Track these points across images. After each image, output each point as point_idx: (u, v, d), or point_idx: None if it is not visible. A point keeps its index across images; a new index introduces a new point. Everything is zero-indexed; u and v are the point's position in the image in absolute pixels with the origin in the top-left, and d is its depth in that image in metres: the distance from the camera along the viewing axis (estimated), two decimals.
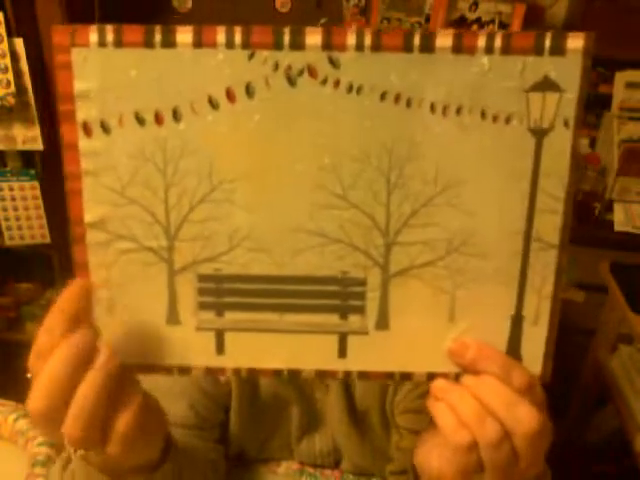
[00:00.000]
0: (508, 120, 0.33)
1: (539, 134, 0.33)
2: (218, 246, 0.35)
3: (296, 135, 0.33)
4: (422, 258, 0.35)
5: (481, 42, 0.32)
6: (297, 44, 0.32)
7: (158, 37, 0.32)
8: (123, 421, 0.35)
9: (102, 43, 0.32)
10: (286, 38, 0.32)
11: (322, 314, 0.36)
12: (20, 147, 1.37)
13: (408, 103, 0.33)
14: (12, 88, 1.28)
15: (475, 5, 1.52)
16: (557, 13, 1.87)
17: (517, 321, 0.36)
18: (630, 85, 1.74)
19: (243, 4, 1.52)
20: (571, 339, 1.02)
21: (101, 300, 0.36)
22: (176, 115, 0.33)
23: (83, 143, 0.35)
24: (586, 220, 1.57)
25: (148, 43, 0.32)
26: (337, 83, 0.32)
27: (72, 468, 0.46)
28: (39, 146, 1.37)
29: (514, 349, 0.36)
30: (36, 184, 1.43)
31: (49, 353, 0.33)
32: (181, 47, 0.32)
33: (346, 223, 0.35)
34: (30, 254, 1.55)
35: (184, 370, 0.37)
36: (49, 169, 1.44)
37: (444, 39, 0.32)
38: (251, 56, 0.32)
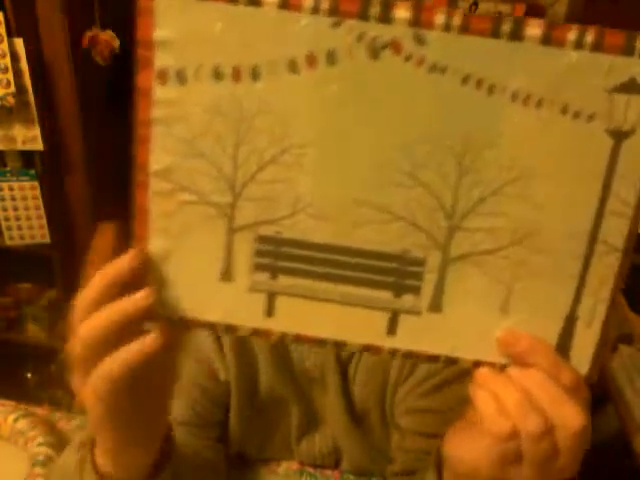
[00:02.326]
0: (590, 119, 0.33)
1: (618, 136, 0.33)
2: (281, 209, 0.35)
3: (372, 109, 0.33)
4: (484, 246, 0.35)
5: (572, 36, 0.31)
6: (385, 17, 0.31)
7: None
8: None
9: None
10: (374, 10, 0.31)
11: (376, 290, 0.36)
12: (20, 147, 1.38)
13: (490, 90, 0.32)
14: (12, 88, 1.28)
15: (475, 5, 1.52)
16: (557, 13, 1.87)
17: (570, 321, 0.36)
18: None
19: None
20: None
21: (157, 249, 0.36)
22: (255, 74, 0.32)
23: (157, 91, 0.34)
24: None
25: None
26: (420, 61, 0.32)
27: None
28: (39, 146, 1.37)
29: (564, 348, 0.36)
30: (36, 184, 1.43)
31: (97, 308, 0.34)
32: (266, 6, 0.31)
33: (412, 202, 0.34)
34: (30, 254, 1.55)
35: (230, 329, 0.37)
36: (49, 169, 1.44)
37: (534, 28, 0.31)
38: (336, 24, 0.31)
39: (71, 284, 1.57)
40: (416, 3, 0.31)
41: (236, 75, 0.32)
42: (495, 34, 0.31)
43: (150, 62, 0.33)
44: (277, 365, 0.64)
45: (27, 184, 1.43)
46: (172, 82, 0.33)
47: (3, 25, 1.26)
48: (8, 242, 1.48)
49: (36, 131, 1.36)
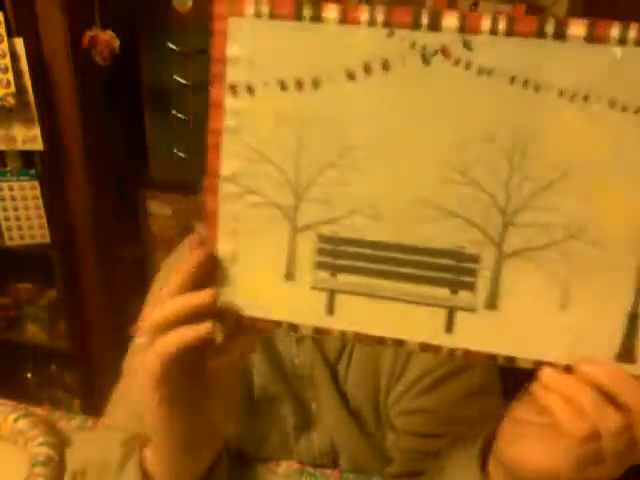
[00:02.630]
0: (638, 111, 0.33)
1: None
2: (339, 209, 0.37)
3: (426, 111, 0.35)
4: (538, 241, 0.35)
5: (615, 32, 0.32)
6: (434, 25, 0.33)
7: (307, 12, 0.34)
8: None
9: (257, 14, 0.35)
10: (424, 19, 0.33)
11: (433, 286, 0.37)
12: (20, 147, 1.37)
13: (536, 88, 0.33)
14: (12, 88, 1.28)
15: (475, 5, 1.52)
16: (557, 13, 1.87)
17: (633, 318, 0.35)
18: None
19: None
20: None
21: (225, 250, 0.38)
22: (315, 83, 0.35)
23: (229, 102, 0.37)
24: None
25: (298, 16, 0.34)
26: (469, 65, 0.33)
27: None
28: (39, 146, 1.37)
29: (628, 347, 0.36)
30: (36, 184, 1.43)
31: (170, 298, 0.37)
32: (327, 22, 0.34)
33: (466, 199, 0.35)
34: (30, 254, 1.55)
35: (293, 327, 0.39)
36: (49, 169, 1.44)
37: (577, 28, 0.32)
38: (390, 34, 0.34)
39: (71, 284, 1.57)
40: (462, 11, 0.33)
41: (299, 85, 0.35)
42: (540, 35, 0.32)
43: (222, 77, 0.37)
44: (269, 364, 0.64)
45: (27, 184, 1.43)
46: (242, 94, 0.36)
47: (3, 25, 1.26)
48: (8, 242, 1.48)
49: (36, 131, 1.36)
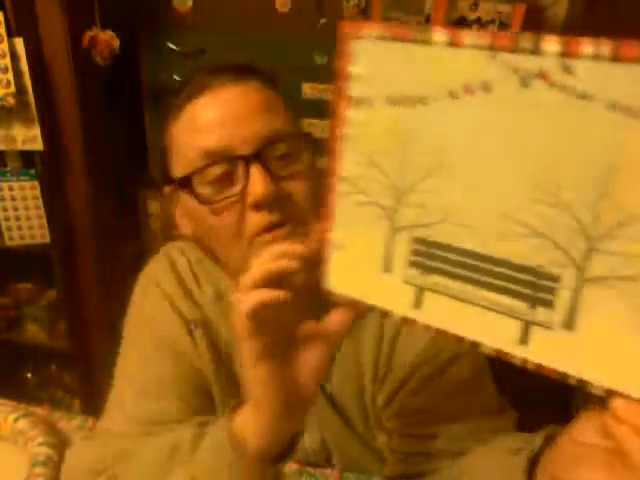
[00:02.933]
0: None
1: None
2: (433, 216, 0.40)
3: (522, 132, 0.35)
4: (622, 271, 0.34)
5: None
6: (535, 49, 0.33)
7: (419, 35, 0.37)
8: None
9: (377, 36, 0.39)
10: (525, 43, 0.34)
11: (513, 298, 0.38)
12: (20, 147, 1.38)
13: (637, 116, 0.32)
14: (12, 88, 1.28)
15: (475, 5, 1.52)
16: (557, 13, 1.87)
17: None
18: None
19: (243, 4, 1.52)
20: None
21: (336, 239, 0.44)
22: (422, 100, 0.38)
23: (349, 114, 0.41)
24: None
25: (411, 39, 0.37)
26: (568, 89, 0.33)
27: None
28: (39, 146, 1.37)
29: None
30: (36, 184, 1.43)
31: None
32: (435, 45, 0.37)
33: (552, 220, 0.35)
34: (30, 254, 1.55)
35: (385, 313, 0.43)
36: (49, 169, 1.44)
37: None
38: (492, 57, 0.35)
39: (71, 284, 1.57)
40: (564, 37, 0.33)
41: (408, 101, 0.39)
42: None
43: (345, 90, 0.41)
44: None
45: (27, 184, 1.43)
46: (361, 107, 0.41)
47: (3, 25, 1.26)
48: (8, 242, 1.48)
49: (36, 131, 1.36)
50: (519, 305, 0.38)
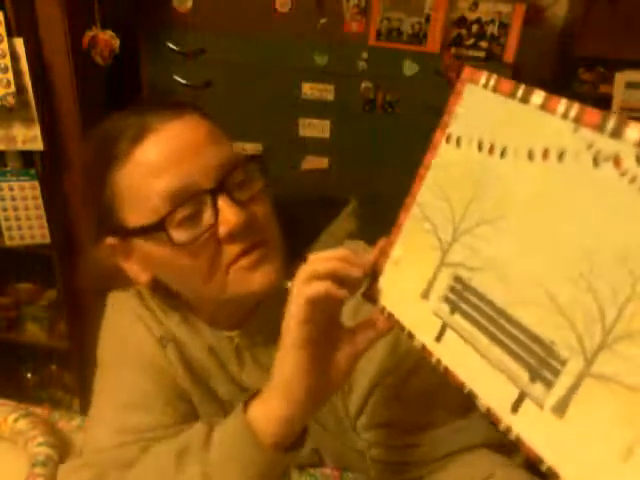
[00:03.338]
0: None
1: None
2: (478, 261, 0.41)
3: (581, 209, 0.35)
4: (629, 379, 0.32)
5: None
6: (616, 133, 0.33)
7: (520, 93, 0.39)
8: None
9: (485, 85, 0.42)
10: (610, 125, 0.33)
11: (519, 365, 0.38)
12: (20, 147, 1.38)
13: None
14: (12, 88, 1.28)
15: (475, 5, 1.52)
16: (557, 13, 1.87)
17: None
18: (630, 85, 1.74)
19: (243, 4, 1.52)
20: None
21: (395, 255, 0.48)
22: (503, 152, 0.40)
23: (441, 146, 0.45)
24: None
25: (512, 94, 0.40)
26: (636, 180, 0.33)
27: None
28: (39, 146, 1.37)
29: None
30: (36, 184, 1.43)
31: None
32: (531, 105, 0.38)
33: (578, 303, 0.35)
34: (30, 254, 1.55)
35: (411, 336, 0.45)
36: (49, 169, 1.44)
37: None
38: (575, 130, 0.35)
39: (71, 284, 1.57)
40: None
41: (491, 150, 0.41)
42: None
43: (446, 126, 0.44)
44: (226, 376, 0.68)
45: (27, 184, 1.43)
46: (452, 143, 0.44)
47: (3, 25, 1.26)
48: (8, 242, 1.48)
49: (36, 131, 1.36)
50: (522, 374, 0.37)
